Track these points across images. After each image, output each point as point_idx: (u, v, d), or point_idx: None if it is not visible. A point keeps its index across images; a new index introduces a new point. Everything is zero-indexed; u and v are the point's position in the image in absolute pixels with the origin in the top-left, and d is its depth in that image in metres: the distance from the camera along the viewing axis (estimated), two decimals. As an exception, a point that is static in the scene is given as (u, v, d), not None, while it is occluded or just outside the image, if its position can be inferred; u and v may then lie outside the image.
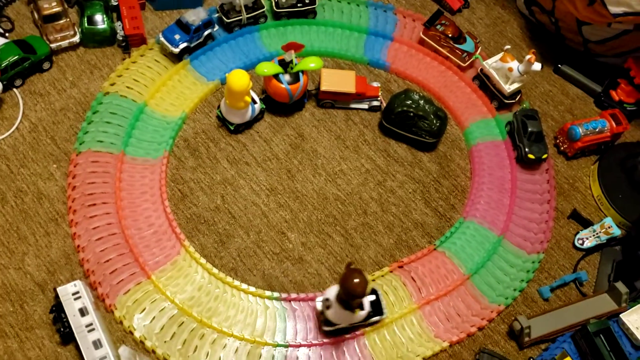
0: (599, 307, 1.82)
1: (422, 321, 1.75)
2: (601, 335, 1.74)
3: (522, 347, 1.78)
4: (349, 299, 1.52)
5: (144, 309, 1.67)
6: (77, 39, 1.99)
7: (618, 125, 2.06)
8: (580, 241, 1.96)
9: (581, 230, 1.98)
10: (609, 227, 1.94)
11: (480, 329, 1.78)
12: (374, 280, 1.80)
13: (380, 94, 2.06)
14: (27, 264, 1.69)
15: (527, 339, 1.76)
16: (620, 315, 1.81)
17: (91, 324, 1.55)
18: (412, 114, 1.93)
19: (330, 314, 1.61)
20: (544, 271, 1.90)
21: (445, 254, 1.87)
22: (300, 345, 1.68)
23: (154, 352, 1.61)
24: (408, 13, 2.29)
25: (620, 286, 1.81)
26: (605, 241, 1.95)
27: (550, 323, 1.79)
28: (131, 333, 1.63)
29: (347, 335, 1.68)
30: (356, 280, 1.49)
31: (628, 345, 1.78)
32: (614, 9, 1.95)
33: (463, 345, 1.75)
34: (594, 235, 1.96)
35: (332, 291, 1.59)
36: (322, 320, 1.66)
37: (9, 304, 1.62)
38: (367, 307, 1.59)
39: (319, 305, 1.67)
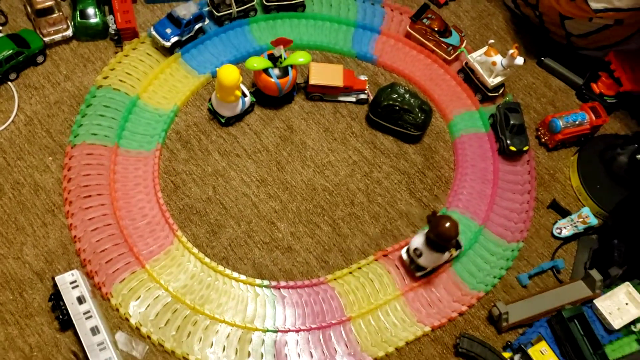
0: (574, 293, 1.87)
1: (405, 307, 1.82)
2: (575, 321, 1.80)
3: (500, 332, 1.83)
4: (444, 242, 1.72)
5: (139, 297, 1.72)
6: (70, 32, 2.02)
7: (597, 118, 2.11)
8: (559, 230, 2.01)
9: (560, 220, 2.04)
10: (587, 217, 2.00)
11: (460, 314, 1.85)
12: (359, 268, 1.85)
13: (367, 87, 2.10)
14: (26, 254, 1.73)
15: (505, 324, 1.81)
16: (594, 301, 1.86)
17: (89, 312, 1.60)
18: (397, 108, 1.98)
19: (422, 260, 1.77)
20: (523, 259, 1.96)
21: (429, 243, 1.91)
22: (289, 331, 1.74)
23: (149, 337, 1.67)
24: (395, 6, 2.32)
25: (595, 274, 1.86)
26: (582, 230, 2.00)
27: (528, 309, 1.84)
28: (127, 320, 1.69)
29: (334, 321, 1.74)
30: (447, 225, 1.68)
31: (601, 330, 1.84)
32: (595, 5, 2.01)
33: (444, 330, 1.82)
34: (571, 225, 2.01)
35: (418, 240, 1.76)
36: (412, 268, 1.82)
37: (8, 292, 1.67)
38: None
39: (405, 256, 1.83)
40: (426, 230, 1.77)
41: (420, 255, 1.77)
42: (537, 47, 2.36)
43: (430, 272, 1.83)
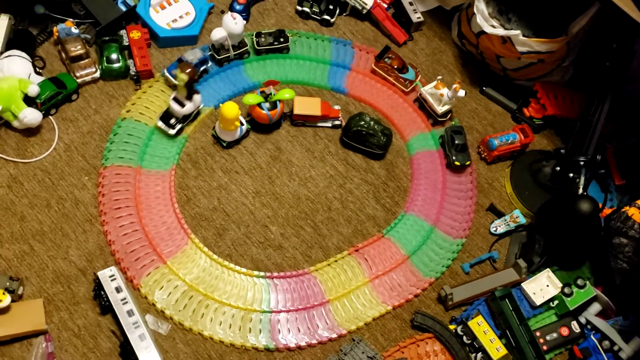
0: (505, 278, 2.09)
1: (372, 291, 2.03)
2: (506, 299, 2.00)
3: (447, 309, 2.05)
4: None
5: (162, 287, 1.91)
6: (97, 74, 2.21)
7: (526, 138, 2.34)
8: (494, 228, 2.23)
9: (495, 220, 2.25)
10: (517, 217, 2.22)
11: (416, 296, 2.05)
12: (336, 261, 2.06)
13: (340, 115, 2.31)
14: (71, 255, 1.93)
15: (450, 303, 2.02)
16: (522, 284, 2.08)
17: (125, 299, 1.83)
18: (364, 132, 2.20)
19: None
20: (465, 252, 2.18)
21: (391, 240, 2.14)
22: (280, 311, 1.94)
23: (171, 318, 1.88)
24: (363, 47, 2.52)
25: (521, 262, 2.08)
26: (514, 228, 2.22)
27: (469, 291, 2.06)
28: (154, 305, 1.89)
29: (316, 303, 1.96)
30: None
31: (527, 306, 2.07)
32: (520, 48, 2.32)
33: (403, 309, 2.03)
34: (505, 224, 2.23)
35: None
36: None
37: (59, 285, 1.88)
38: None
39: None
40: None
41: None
42: (480, 78, 2.58)
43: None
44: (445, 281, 2.14)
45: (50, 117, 2.17)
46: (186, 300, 1.93)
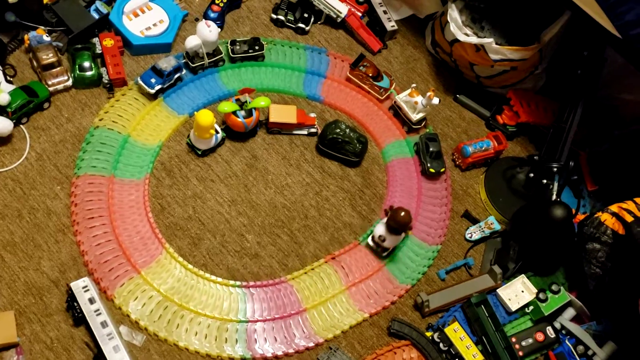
0: (481, 284, 2.12)
1: (349, 299, 2.05)
2: (482, 305, 2.02)
3: (423, 316, 2.08)
4: (402, 227, 2.04)
5: (137, 298, 1.91)
6: (70, 83, 2.20)
7: (499, 145, 2.39)
8: (470, 234, 2.27)
9: (470, 226, 2.28)
10: (492, 224, 2.27)
11: (392, 303, 2.08)
12: (313, 269, 2.08)
13: (316, 122, 2.34)
14: (43, 266, 1.92)
15: (427, 309, 2.04)
16: (497, 290, 2.11)
17: (98, 310, 1.81)
18: (340, 140, 2.24)
19: (387, 243, 2.09)
20: (441, 258, 2.21)
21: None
22: (257, 321, 1.95)
23: (146, 329, 1.88)
24: (338, 55, 2.55)
25: (496, 268, 2.12)
26: (488, 234, 2.26)
27: (445, 297, 2.08)
28: (128, 316, 1.88)
29: (293, 312, 1.97)
30: (403, 214, 2.00)
31: (503, 312, 2.10)
32: (493, 56, 2.38)
33: (380, 316, 2.05)
34: (480, 230, 2.27)
35: (380, 229, 2.08)
36: (378, 250, 2.13)
37: (31, 297, 1.87)
38: None
39: (371, 243, 2.13)
40: (385, 220, 2.07)
41: (384, 240, 2.07)
42: (453, 86, 2.61)
43: (392, 251, 2.15)
44: (422, 288, 2.16)
45: (21, 126, 2.15)
46: (161, 311, 1.93)
